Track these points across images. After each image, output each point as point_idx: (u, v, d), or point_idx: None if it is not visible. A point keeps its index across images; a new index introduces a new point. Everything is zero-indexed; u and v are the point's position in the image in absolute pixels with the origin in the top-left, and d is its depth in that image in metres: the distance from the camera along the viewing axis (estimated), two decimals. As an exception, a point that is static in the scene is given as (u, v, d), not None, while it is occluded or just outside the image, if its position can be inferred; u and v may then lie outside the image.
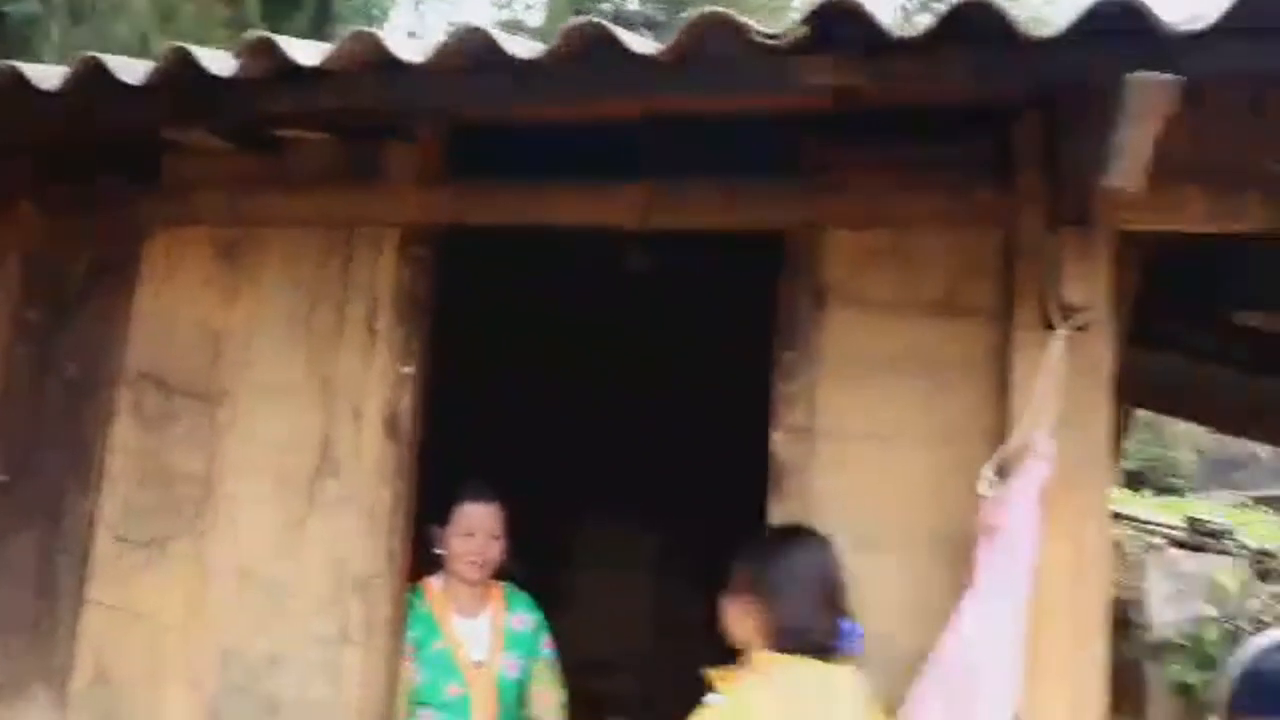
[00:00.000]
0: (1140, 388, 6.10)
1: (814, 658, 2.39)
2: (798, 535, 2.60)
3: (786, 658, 2.39)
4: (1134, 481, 16.11)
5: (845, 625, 2.47)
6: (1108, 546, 2.65)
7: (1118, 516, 10.10)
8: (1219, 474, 18.24)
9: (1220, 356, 5.39)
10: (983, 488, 2.56)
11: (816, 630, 2.41)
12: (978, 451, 2.74)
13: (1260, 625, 7.79)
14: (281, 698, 3.22)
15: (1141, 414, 18.72)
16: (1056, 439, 2.56)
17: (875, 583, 2.78)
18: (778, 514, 2.82)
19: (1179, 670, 8.18)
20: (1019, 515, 2.50)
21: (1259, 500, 14.03)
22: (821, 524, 2.82)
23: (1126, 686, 9.51)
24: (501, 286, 4.61)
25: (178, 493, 3.46)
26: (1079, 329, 2.61)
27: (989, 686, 2.42)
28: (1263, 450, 18.26)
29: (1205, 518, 8.93)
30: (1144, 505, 10.67)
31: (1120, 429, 7.27)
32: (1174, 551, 8.56)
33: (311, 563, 3.24)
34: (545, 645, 3.35)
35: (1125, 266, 3.13)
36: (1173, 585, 8.42)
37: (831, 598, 2.46)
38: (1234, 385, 5.67)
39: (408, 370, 3.21)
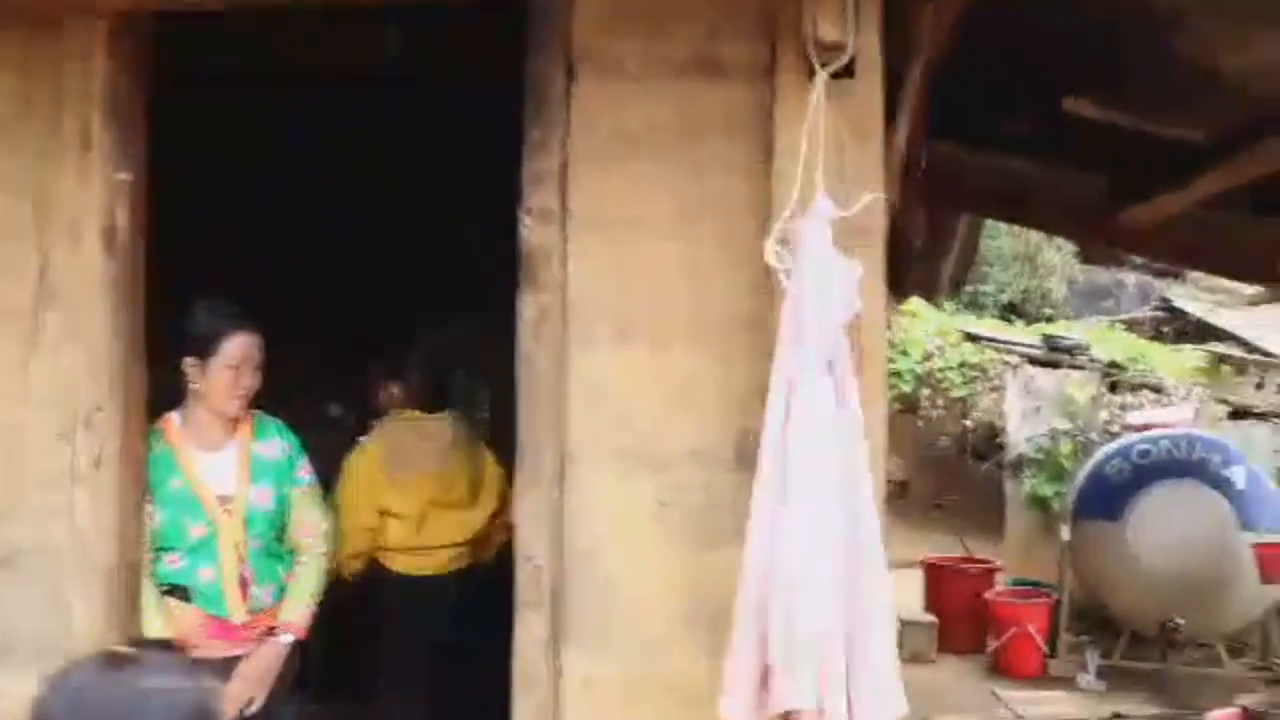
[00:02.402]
0: (978, 194, 5.95)
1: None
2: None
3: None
4: (1008, 312, 16.36)
5: None
6: (883, 318, 2.44)
7: (977, 339, 10.18)
8: (1089, 303, 18.66)
9: (1053, 152, 5.22)
10: (770, 258, 2.30)
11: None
12: (745, 226, 2.50)
13: (1109, 435, 7.93)
14: (17, 547, 2.90)
15: (1015, 245, 18.92)
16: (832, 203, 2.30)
17: (640, 376, 2.56)
18: (531, 306, 2.55)
19: (1034, 484, 8.33)
20: (812, 282, 2.23)
21: (1125, 323, 14.35)
22: (579, 315, 2.58)
23: (989, 503, 9.71)
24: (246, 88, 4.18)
25: (-107, 338, 3.07)
26: (845, 74, 2.34)
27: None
28: (1130, 277, 18.73)
29: (1060, 334, 9.00)
30: (1005, 329, 10.78)
31: (971, 245, 7.17)
32: (1030, 369, 8.62)
33: (37, 401, 2.90)
34: (301, 472, 3.09)
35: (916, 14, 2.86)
36: (1029, 402, 8.50)
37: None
38: (1070, 185, 5.53)
39: (124, 177, 2.83)
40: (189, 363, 2.98)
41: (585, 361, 2.57)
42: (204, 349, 2.97)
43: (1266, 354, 8.35)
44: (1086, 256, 17.89)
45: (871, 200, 2.26)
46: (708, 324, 2.51)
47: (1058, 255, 17.82)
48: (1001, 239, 17.59)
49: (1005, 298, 17.15)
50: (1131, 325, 14.00)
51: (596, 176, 2.59)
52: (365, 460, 3.83)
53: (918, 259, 6.68)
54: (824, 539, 2.05)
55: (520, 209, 2.56)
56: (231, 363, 2.95)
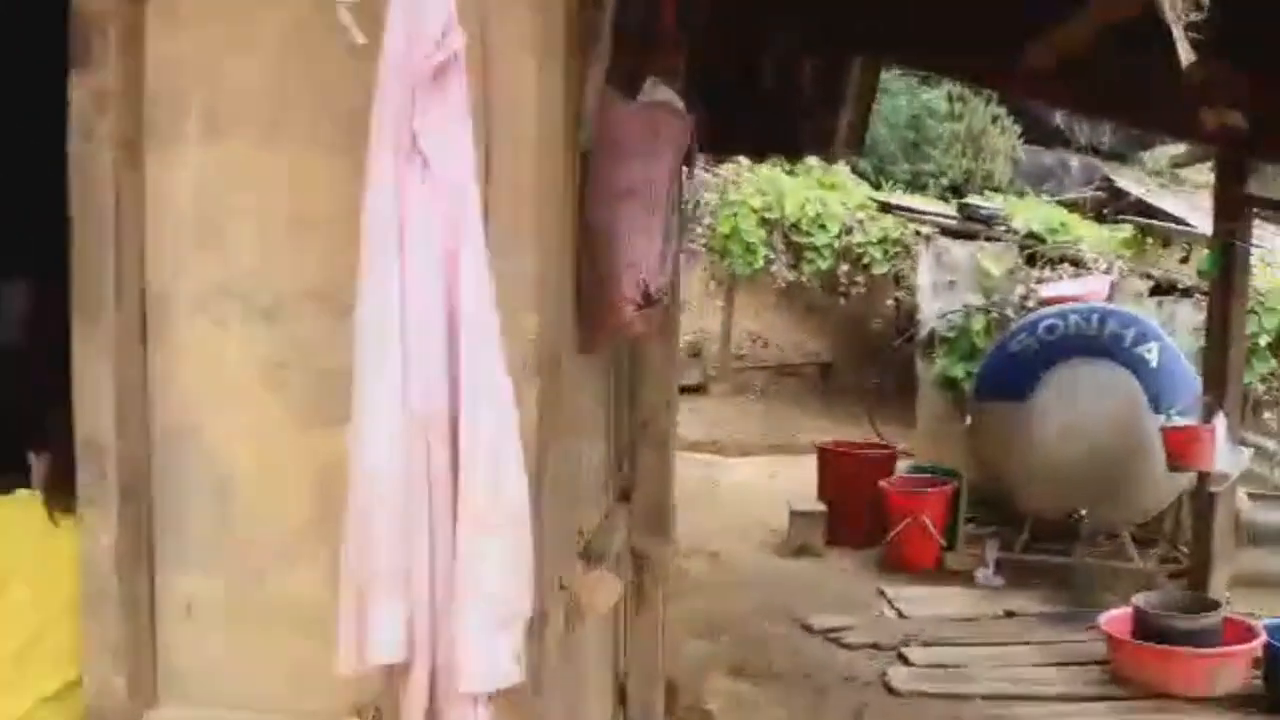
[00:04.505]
0: (870, 35, 5.21)
1: None
2: None
3: None
4: (950, 194, 15.84)
5: None
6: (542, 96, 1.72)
7: (890, 208, 9.50)
8: (1032, 183, 18.19)
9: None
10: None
11: None
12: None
13: (1026, 311, 7.32)
14: None
15: (958, 127, 18.36)
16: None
17: (242, 187, 1.85)
18: (84, 93, 1.82)
19: (945, 363, 7.75)
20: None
21: (1067, 204, 13.93)
22: (157, 104, 1.86)
23: (893, 386, 9.16)
24: None
25: None
26: None
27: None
28: (1074, 159, 18.29)
29: (976, 203, 8.33)
30: (921, 199, 10.10)
31: (868, 94, 6.41)
32: (943, 240, 7.97)
33: None
34: None
35: None
36: (942, 275, 7.86)
37: None
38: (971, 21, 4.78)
39: None
40: None
41: (166, 167, 1.86)
42: None
43: (1190, 227, 7.71)
44: (1030, 137, 17.31)
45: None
46: (332, 116, 1.79)
47: (1001, 137, 17.33)
48: (943, 121, 17.08)
49: (947, 180, 16.66)
50: (1073, 206, 13.49)
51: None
52: None
53: (807, 111, 5.97)
54: (381, 432, 1.38)
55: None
56: None
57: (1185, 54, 2.34)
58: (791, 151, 6.67)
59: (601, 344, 2.88)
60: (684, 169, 3.05)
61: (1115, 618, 4.82)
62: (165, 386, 1.89)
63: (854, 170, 14.92)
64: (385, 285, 1.38)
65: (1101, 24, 4.19)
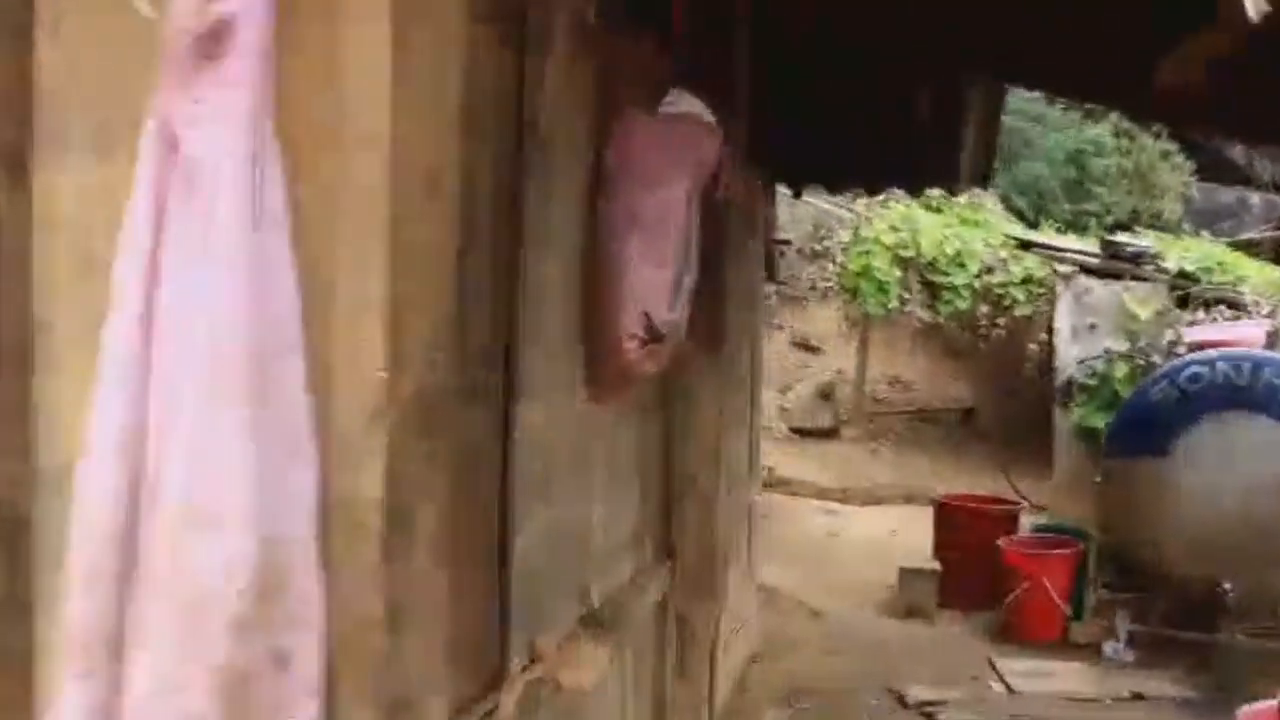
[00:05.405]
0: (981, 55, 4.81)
1: None
2: None
3: None
4: (1110, 233, 15.03)
5: None
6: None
7: (1026, 246, 8.92)
8: (1205, 223, 17.16)
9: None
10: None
11: None
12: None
13: (1174, 358, 6.70)
14: None
15: (1124, 163, 17.44)
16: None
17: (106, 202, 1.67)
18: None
19: (1084, 413, 7.16)
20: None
21: (1243, 244, 13.00)
22: (46, 114, 1.69)
23: (1036, 435, 8.53)
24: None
25: None
26: None
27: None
28: (1255, 197, 17.17)
29: (1123, 240, 7.71)
30: (1074, 238, 9.45)
31: (992, 125, 5.98)
32: (1084, 279, 7.39)
33: None
34: None
35: None
36: (1082, 317, 7.28)
37: None
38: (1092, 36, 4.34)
39: None
40: None
41: (53, 185, 1.69)
42: None
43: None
44: (1206, 175, 16.26)
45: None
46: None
47: (1172, 173, 16.39)
48: (1109, 156, 16.23)
49: (1112, 219, 15.77)
50: (1249, 246, 12.52)
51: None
52: None
53: (926, 140, 5.58)
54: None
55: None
56: None
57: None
58: (911, 185, 6.26)
59: (614, 391, 2.61)
60: (715, 188, 2.75)
61: (1260, 712, 4.21)
62: (53, 423, 1.72)
63: (1008, 208, 14.18)
64: (130, 309, 1.15)
65: (1210, 55, 3.70)
